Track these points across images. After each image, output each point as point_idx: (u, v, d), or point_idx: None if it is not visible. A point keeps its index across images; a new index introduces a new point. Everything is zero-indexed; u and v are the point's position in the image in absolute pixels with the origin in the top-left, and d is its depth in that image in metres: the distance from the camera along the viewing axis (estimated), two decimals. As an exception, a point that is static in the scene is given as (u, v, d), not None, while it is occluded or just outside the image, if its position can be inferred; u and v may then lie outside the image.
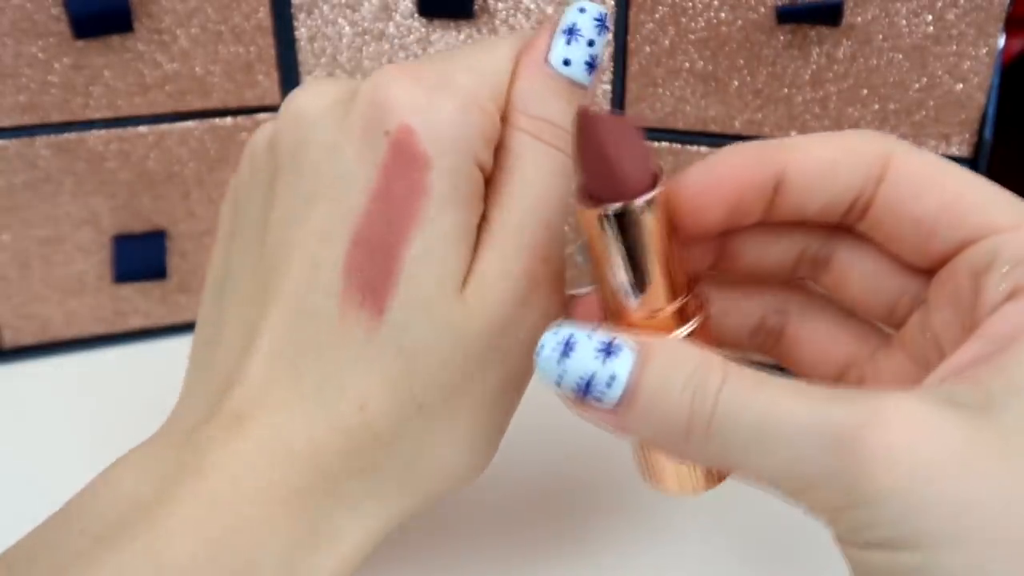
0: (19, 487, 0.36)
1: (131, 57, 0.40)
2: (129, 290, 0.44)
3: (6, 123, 0.40)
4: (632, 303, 0.24)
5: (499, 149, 0.26)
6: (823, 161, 0.24)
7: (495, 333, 0.26)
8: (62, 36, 0.39)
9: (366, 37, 0.42)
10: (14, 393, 0.42)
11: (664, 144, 0.41)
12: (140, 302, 0.44)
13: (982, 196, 0.23)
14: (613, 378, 0.21)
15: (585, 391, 0.22)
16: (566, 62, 0.26)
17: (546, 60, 0.26)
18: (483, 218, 0.26)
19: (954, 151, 0.38)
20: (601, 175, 0.23)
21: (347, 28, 0.42)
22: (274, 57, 0.42)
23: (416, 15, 0.41)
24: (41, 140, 0.40)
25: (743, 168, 0.24)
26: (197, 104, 0.42)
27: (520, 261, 0.26)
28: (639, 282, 0.24)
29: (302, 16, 0.41)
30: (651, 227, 0.23)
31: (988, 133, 0.37)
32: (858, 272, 0.25)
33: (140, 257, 0.43)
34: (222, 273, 0.29)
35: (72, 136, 0.41)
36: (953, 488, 0.19)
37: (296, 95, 0.27)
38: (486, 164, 0.26)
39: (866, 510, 0.19)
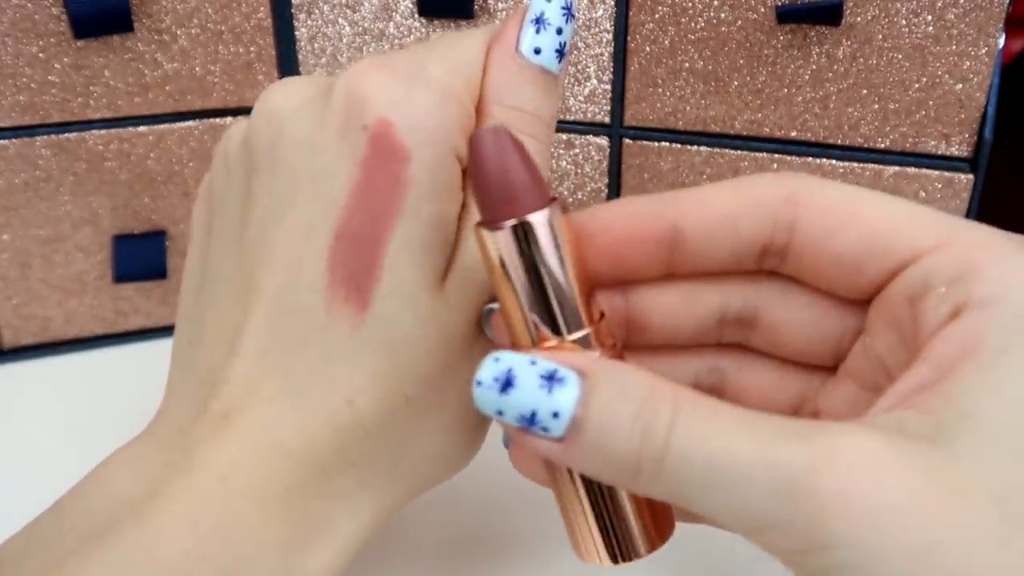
0: (19, 487, 0.36)
1: (131, 57, 0.40)
2: (129, 290, 0.44)
3: (6, 123, 0.40)
4: (544, 331, 0.23)
5: None
6: (720, 213, 0.23)
7: (478, 322, 0.26)
8: (62, 36, 0.39)
9: (366, 37, 0.42)
10: (14, 393, 0.42)
11: (664, 144, 0.41)
12: (140, 302, 0.44)
13: (900, 219, 0.22)
14: (557, 413, 0.20)
15: (529, 424, 0.21)
16: (536, 51, 0.26)
17: (517, 50, 0.26)
18: (463, 208, 0.26)
19: (954, 151, 0.38)
20: (500, 188, 0.22)
21: (347, 28, 0.42)
22: (274, 57, 0.42)
23: (416, 15, 0.41)
24: (41, 140, 0.40)
25: (631, 218, 0.24)
26: (197, 104, 0.42)
27: None
28: (550, 305, 0.23)
29: (302, 16, 0.41)
30: (557, 242, 0.22)
31: (988, 133, 0.37)
32: (791, 323, 0.25)
33: (140, 257, 0.43)
34: (200, 272, 0.29)
35: (72, 136, 0.41)
36: (912, 532, 0.18)
37: (270, 93, 0.27)
38: (463, 155, 0.26)
39: (824, 556, 0.19)
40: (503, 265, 0.22)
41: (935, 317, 0.21)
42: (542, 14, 0.26)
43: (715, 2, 0.38)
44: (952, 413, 0.19)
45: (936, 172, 0.39)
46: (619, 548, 0.24)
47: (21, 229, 0.41)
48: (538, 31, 0.26)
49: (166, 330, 0.45)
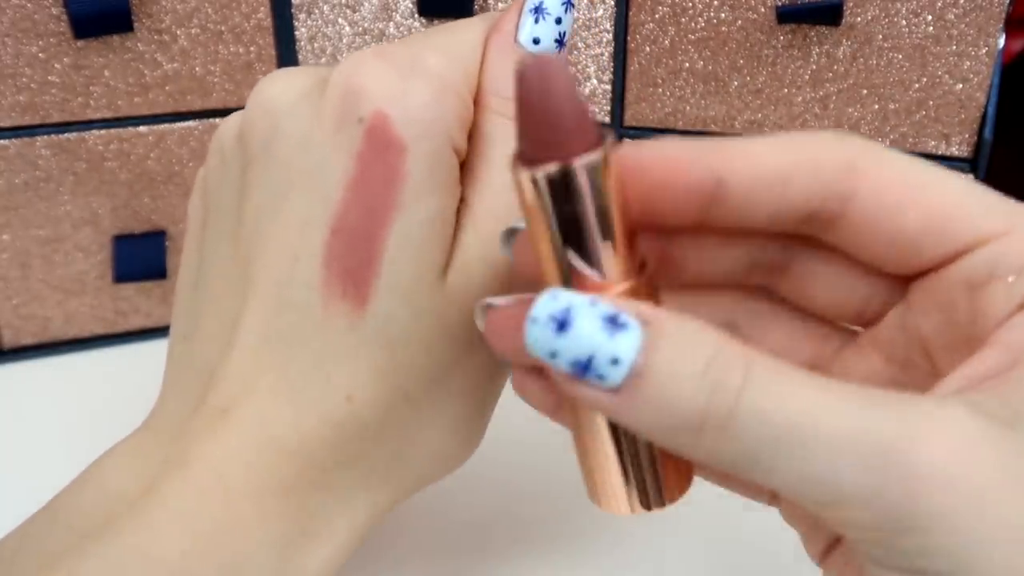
0: (19, 487, 0.36)
1: (131, 57, 0.40)
2: (129, 290, 0.44)
3: (6, 123, 0.40)
4: (588, 278, 0.21)
5: (473, 132, 0.26)
6: (770, 171, 0.21)
7: None
8: (62, 36, 0.39)
9: (366, 37, 0.42)
10: (14, 393, 0.42)
11: (664, 144, 0.41)
12: (140, 302, 0.44)
13: (966, 202, 0.21)
14: (617, 359, 0.18)
15: (583, 371, 0.19)
16: (535, 41, 0.26)
17: (515, 40, 0.26)
18: (461, 202, 0.26)
19: (954, 151, 0.38)
20: (550, 125, 0.20)
21: (347, 28, 0.42)
22: (274, 57, 0.42)
23: (416, 15, 0.41)
24: (41, 140, 0.40)
25: (672, 162, 0.21)
26: (197, 104, 0.42)
27: None
28: (595, 254, 0.20)
29: (302, 16, 0.41)
30: (611, 184, 0.20)
31: (988, 133, 0.37)
32: (824, 279, 0.23)
33: (140, 257, 0.43)
34: (195, 268, 0.28)
35: (72, 136, 0.41)
36: (1007, 513, 0.18)
37: (264, 85, 0.26)
38: (461, 148, 0.25)
39: (913, 536, 0.18)
40: (543, 208, 0.20)
41: (1002, 306, 0.21)
42: (541, 4, 0.26)
43: (715, 2, 0.38)
44: None
45: (936, 172, 0.39)
46: (645, 497, 0.22)
47: (21, 229, 0.41)
48: (537, 20, 0.26)
49: (166, 330, 0.44)
